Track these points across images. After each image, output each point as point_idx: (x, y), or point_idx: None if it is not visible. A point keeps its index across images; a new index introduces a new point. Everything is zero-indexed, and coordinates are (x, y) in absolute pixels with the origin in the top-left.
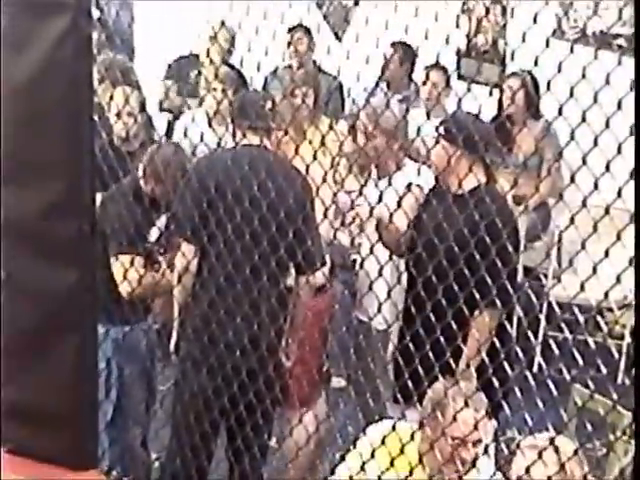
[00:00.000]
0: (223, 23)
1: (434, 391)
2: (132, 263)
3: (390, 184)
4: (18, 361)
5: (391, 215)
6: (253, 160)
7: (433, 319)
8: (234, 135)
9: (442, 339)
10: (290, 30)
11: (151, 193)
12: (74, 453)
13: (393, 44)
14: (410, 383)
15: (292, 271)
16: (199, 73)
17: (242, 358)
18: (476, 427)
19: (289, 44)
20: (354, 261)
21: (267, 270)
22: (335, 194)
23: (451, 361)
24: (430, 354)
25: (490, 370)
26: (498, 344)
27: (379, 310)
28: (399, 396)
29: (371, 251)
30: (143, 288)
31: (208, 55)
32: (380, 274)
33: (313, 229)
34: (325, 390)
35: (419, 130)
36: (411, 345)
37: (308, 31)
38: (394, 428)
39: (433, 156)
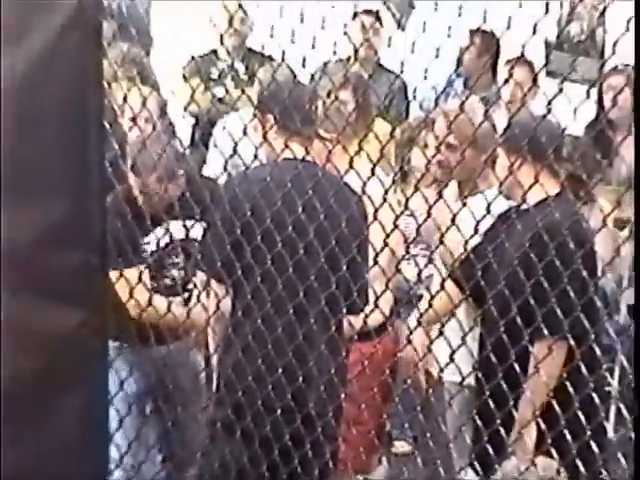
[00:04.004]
0: (240, 6)
1: (503, 469)
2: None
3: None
4: (18, 419)
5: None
6: (299, 178)
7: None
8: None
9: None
10: (355, 15)
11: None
12: None
13: (471, 32)
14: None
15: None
16: (224, 71)
17: (284, 419)
18: None
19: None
20: (420, 297)
21: (315, 310)
22: (397, 217)
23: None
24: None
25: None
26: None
27: (451, 358)
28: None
29: (442, 286)
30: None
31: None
32: (453, 314)
33: (367, 261)
34: (387, 456)
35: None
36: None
37: (378, 16)
38: None
39: (498, 170)
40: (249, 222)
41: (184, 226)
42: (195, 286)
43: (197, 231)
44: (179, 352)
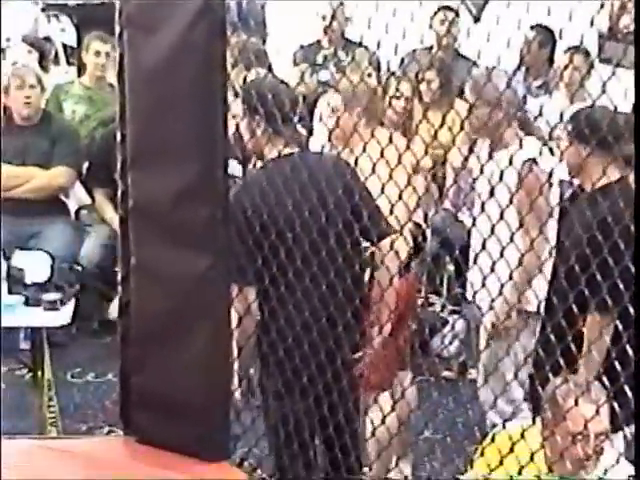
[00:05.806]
0: (341, 3)
1: (549, 388)
2: None
3: (511, 162)
4: (149, 349)
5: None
6: (295, 172)
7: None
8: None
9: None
10: (438, 11)
11: None
12: (205, 444)
13: (532, 27)
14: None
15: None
16: (327, 57)
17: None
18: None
19: (430, 25)
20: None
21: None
22: (457, 174)
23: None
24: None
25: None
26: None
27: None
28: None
29: (492, 231)
30: None
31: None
32: (502, 254)
33: (372, 205)
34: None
35: (562, 116)
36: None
37: (457, 13)
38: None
39: (565, 155)
40: (266, 225)
41: None
42: None
43: None
44: None
